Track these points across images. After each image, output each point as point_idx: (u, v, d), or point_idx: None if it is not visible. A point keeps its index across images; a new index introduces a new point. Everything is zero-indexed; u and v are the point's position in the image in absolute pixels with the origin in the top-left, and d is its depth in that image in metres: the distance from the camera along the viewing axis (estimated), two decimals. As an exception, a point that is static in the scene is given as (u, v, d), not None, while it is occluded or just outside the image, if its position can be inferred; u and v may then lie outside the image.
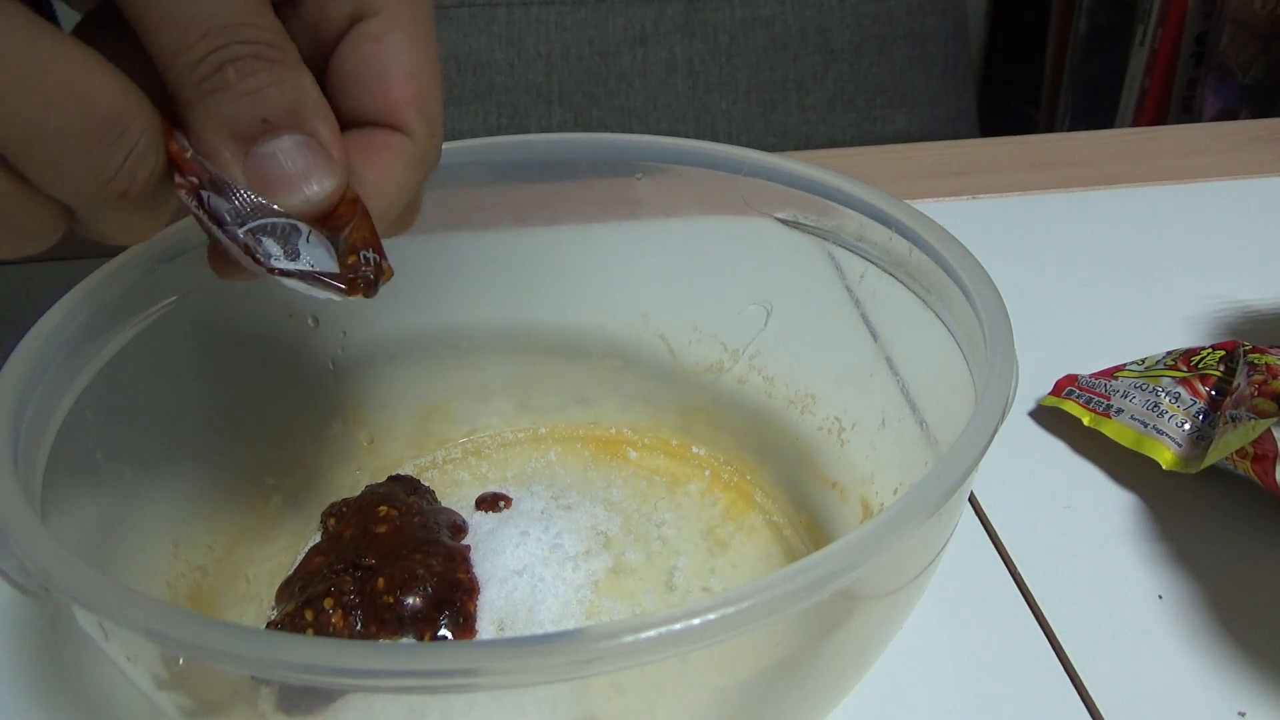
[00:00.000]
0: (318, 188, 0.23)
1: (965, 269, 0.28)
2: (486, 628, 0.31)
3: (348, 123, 0.25)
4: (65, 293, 0.28)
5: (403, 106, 0.25)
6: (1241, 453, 0.34)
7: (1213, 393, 0.37)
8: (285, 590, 0.32)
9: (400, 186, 0.25)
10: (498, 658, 0.19)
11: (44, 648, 0.32)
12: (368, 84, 0.25)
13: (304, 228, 0.23)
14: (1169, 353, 0.40)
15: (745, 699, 0.24)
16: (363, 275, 0.24)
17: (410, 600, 0.30)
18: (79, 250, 0.57)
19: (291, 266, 0.23)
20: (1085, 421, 0.39)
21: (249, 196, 0.23)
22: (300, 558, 0.33)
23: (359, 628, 0.30)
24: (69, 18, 0.26)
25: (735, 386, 0.38)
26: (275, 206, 0.23)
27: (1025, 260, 0.52)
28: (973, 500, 0.37)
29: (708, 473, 0.38)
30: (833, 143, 0.96)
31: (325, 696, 0.22)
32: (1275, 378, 0.35)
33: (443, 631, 0.30)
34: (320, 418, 0.37)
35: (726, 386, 0.38)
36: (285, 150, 0.23)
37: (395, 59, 0.25)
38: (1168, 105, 1.21)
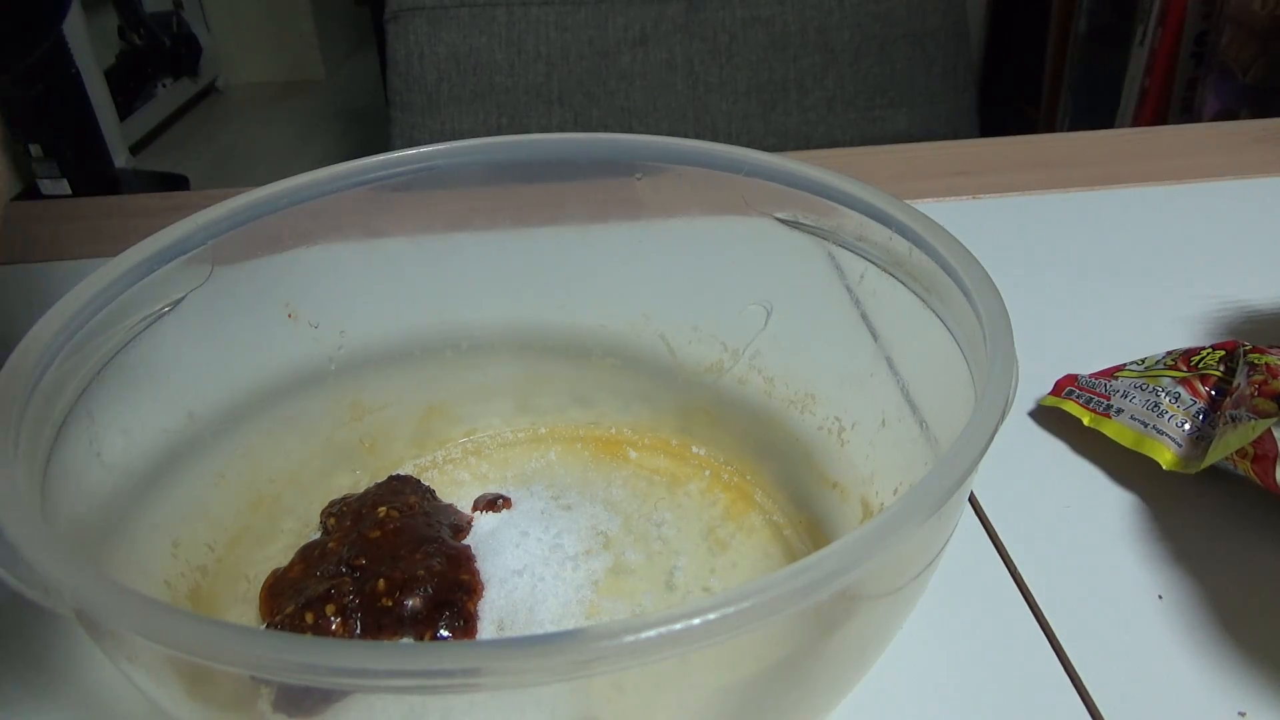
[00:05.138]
0: None
1: (965, 269, 0.28)
2: (486, 628, 0.31)
3: None
4: (65, 293, 0.28)
5: None
6: (1241, 453, 0.34)
7: (1213, 393, 0.37)
8: (274, 598, 0.32)
9: None
10: (498, 658, 0.19)
11: (44, 648, 0.32)
12: None
13: None
14: (1169, 353, 0.40)
15: (745, 699, 0.24)
16: None
17: (410, 602, 0.30)
18: (79, 250, 0.57)
19: None
20: (1085, 421, 0.39)
21: None
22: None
23: (359, 632, 0.30)
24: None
25: (735, 386, 0.38)
26: None
27: (1025, 260, 0.52)
28: (973, 500, 0.37)
29: (708, 473, 0.38)
30: (833, 143, 0.96)
31: (325, 696, 0.22)
32: (1275, 378, 0.35)
33: (442, 632, 0.30)
34: (320, 418, 0.37)
35: (726, 386, 0.38)
36: None
37: None
38: (1168, 105, 1.21)
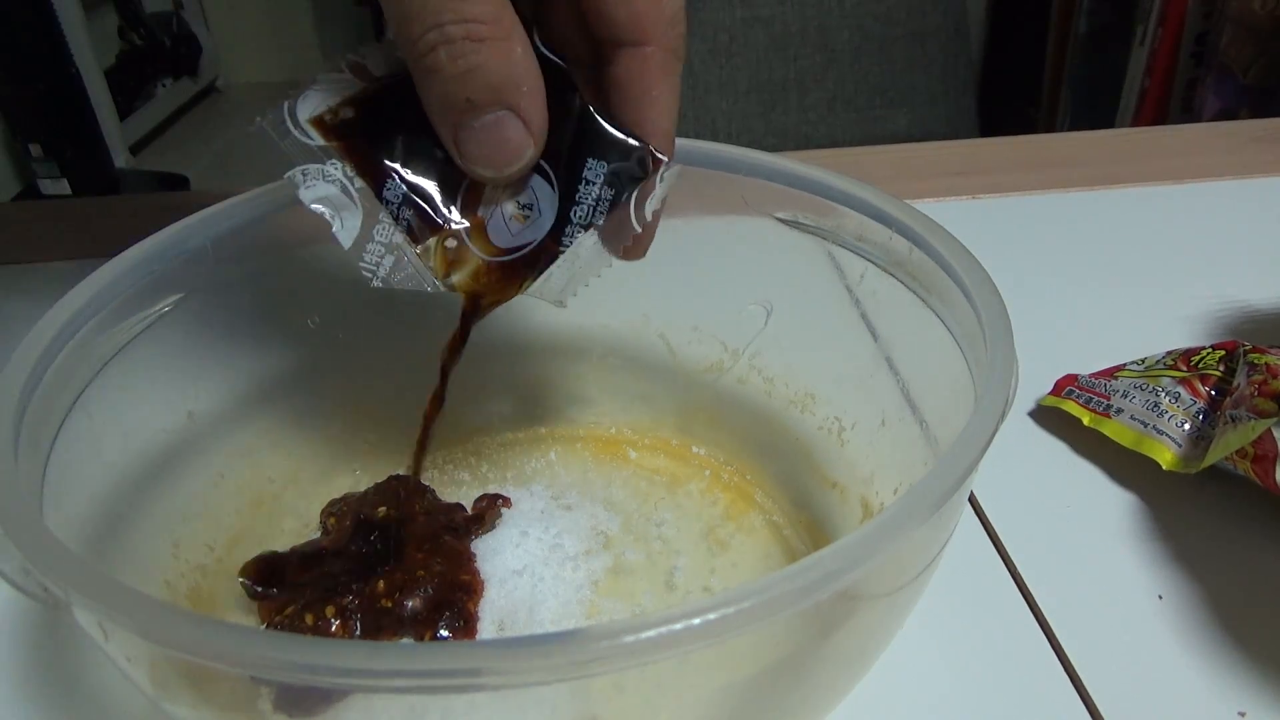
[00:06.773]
0: (513, 161, 0.26)
1: (965, 269, 0.28)
2: (486, 628, 0.31)
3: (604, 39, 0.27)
4: (65, 293, 0.28)
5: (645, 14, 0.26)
6: (1241, 453, 0.34)
7: (1213, 393, 0.37)
8: (267, 589, 0.32)
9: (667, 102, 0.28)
10: (498, 658, 0.19)
11: (44, 648, 0.32)
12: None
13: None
14: (1169, 353, 0.40)
15: (745, 699, 0.24)
16: None
17: (410, 602, 0.30)
18: (79, 250, 0.57)
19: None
20: (1085, 421, 0.39)
21: None
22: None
23: (359, 632, 0.30)
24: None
25: (735, 386, 0.38)
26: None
27: (1025, 260, 0.52)
28: (973, 500, 0.37)
29: (708, 473, 0.38)
30: (833, 143, 0.96)
31: (325, 696, 0.22)
32: (1275, 378, 0.35)
33: (442, 632, 0.30)
34: (320, 418, 0.37)
35: (726, 386, 0.38)
36: (485, 126, 0.25)
37: None
38: (1168, 105, 1.21)
